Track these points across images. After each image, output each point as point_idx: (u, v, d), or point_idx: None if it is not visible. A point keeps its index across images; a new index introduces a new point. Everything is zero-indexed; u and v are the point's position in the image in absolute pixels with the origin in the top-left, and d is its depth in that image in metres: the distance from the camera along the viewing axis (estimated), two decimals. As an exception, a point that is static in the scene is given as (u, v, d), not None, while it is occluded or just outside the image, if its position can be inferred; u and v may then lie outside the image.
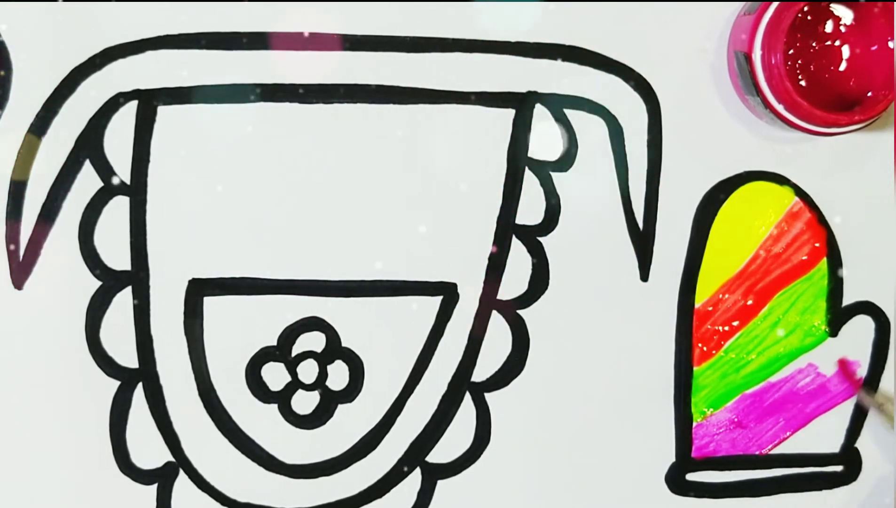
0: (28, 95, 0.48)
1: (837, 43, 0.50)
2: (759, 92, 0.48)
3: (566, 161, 0.51)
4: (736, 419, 0.53)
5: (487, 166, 0.51)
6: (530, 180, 0.51)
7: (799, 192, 0.52)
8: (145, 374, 0.50)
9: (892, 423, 0.50)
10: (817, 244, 0.53)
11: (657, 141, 0.51)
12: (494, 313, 0.51)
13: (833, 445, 0.54)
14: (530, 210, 0.51)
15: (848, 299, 0.53)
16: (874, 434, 0.54)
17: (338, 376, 0.51)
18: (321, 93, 0.49)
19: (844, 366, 0.53)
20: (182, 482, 0.51)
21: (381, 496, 0.52)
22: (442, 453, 0.52)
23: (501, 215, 0.51)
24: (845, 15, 0.50)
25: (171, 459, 0.51)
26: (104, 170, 0.49)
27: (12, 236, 0.49)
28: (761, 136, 0.52)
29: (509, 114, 0.50)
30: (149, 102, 0.49)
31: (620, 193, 0.51)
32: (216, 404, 0.51)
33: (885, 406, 0.52)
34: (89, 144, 0.48)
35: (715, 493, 0.53)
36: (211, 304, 0.50)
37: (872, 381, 0.53)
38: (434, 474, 0.52)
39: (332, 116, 0.50)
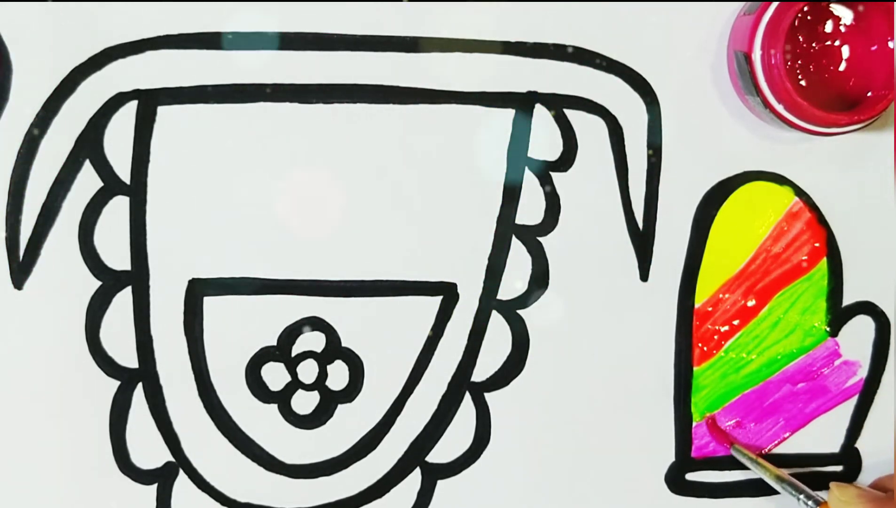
0: (28, 95, 0.48)
1: (837, 43, 0.50)
2: (759, 92, 0.48)
3: (566, 161, 0.51)
4: (736, 420, 0.53)
5: (487, 166, 0.51)
6: (530, 180, 0.51)
7: (799, 192, 0.52)
8: (145, 374, 0.50)
9: (770, 475, 0.51)
10: (817, 244, 0.53)
11: (657, 141, 0.51)
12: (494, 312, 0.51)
13: (833, 445, 0.54)
14: (530, 210, 0.51)
15: (848, 299, 0.53)
16: (874, 434, 0.54)
17: (338, 376, 0.51)
18: (321, 93, 0.49)
19: (713, 424, 0.53)
20: (182, 482, 0.51)
21: (381, 496, 0.52)
22: (442, 453, 0.52)
23: (501, 215, 0.51)
24: (845, 15, 0.50)
25: (171, 459, 0.51)
26: (104, 170, 0.49)
27: (12, 236, 0.49)
28: (761, 136, 0.52)
29: (509, 114, 0.50)
30: (149, 102, 0.49)
31: (620, 193, 0.51)
32: (216, 404, 0.51)
33: (759, 459, 0.52)
34: (89, 144, 0.48)
35: (715, 493, 0.53)
36: (211, 304, 0.50)
37: (873, 381, 0.54)
38: (434, 474, 0.52)
39: (332, 116, 0.50)
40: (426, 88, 0.50)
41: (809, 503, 0.48)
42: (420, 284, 0.51)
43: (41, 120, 0.48)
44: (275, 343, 0.51)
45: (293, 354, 0.51)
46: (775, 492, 0.53)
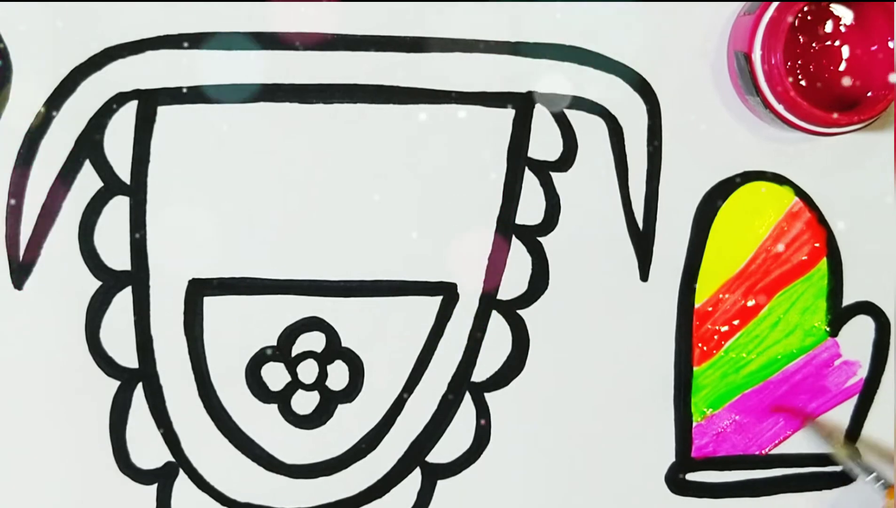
0: (28, 95, 0.48)
1: (837, 43, 0.50)
2: (759, 92, 0.48)
3: (566, 161, 0.51)
4: (736, 419, 0.53)
5: (487, 166, 0.51)
6: (530, 180, 0.51)
7: (799, 192, 0.52)
8: (145, 374, 0.50)
9: (842, 452, 0.52)
10: (817, 244, 0.53)
11: (657, 141, 0.51)
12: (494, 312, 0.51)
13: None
14: (530, 210, 0.51)
15: (848, 299, 0.53)
16: (874, 435, 0.54)
17: (338, 376, 0.51)
18: (321, 93, 0.49)
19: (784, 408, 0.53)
20: (182, 482, 0.51)
21: (381, 496, 0.52)
22: (442, 453, 0.52)
23: (501, 215, 0.51)
24: (845, 15, 0.50)
25: (171, 459, 0.51)
26: (104, 170, 0.49)
27: (12, 235, 0.49)
28: (761, 136, 0.52)
29: (509, 114, 0.50)
30: (149, 102, 0.49)
31: (620, 193, 0.51)
32: (216, 404, 0.51)
33: (832, 435, 0.52)
34: (89, 144, 0.48)
35: (715, 493, 0.53)
36: (211, 304, 0.50)
37: (873, 381, 0.54)
38: (434, 474, 0.52)
39: (332, 116, 0.50)
40: (426, 88, 0.50)
41: (878, 485, 0.49)
42: (420, 284, 0.51)
43: (41, 120, 0.48)
44: (275, 343, 0.51)
45: (293, 354, 0.51)
46: (775, 492, 0.54)
